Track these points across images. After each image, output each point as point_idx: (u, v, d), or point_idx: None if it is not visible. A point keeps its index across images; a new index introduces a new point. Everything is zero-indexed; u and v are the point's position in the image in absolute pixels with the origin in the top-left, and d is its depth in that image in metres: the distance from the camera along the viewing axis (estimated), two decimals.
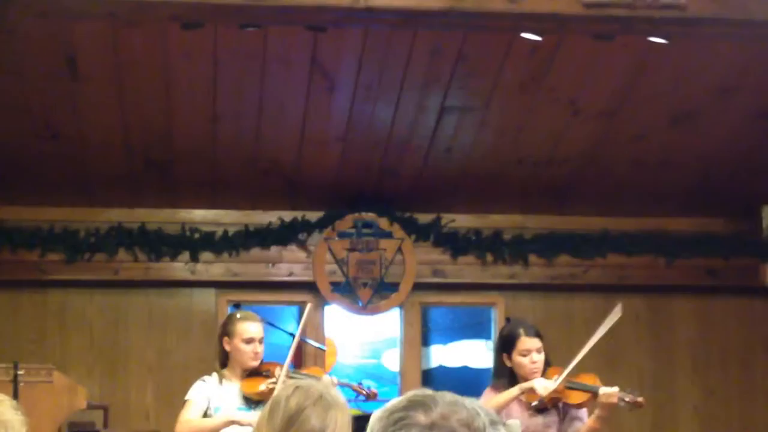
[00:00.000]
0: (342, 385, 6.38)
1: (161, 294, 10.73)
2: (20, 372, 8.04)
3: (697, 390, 11.08)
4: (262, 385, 5.68)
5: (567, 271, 10.83)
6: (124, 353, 10.61)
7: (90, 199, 10.39)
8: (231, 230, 10.52)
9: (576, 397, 5.61)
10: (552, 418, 5.60)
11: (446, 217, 10.73)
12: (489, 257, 10.79)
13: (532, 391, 5.54)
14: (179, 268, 10.53)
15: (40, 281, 10.36)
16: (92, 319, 10.62)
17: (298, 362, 10.82)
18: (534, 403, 5.57)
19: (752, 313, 11.17)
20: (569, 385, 5.62)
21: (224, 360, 5.81)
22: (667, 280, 10.91)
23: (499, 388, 5.73)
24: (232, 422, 5.55)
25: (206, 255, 10.51)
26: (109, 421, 10.15)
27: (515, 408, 5.62)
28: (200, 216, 10.64)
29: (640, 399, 5.60)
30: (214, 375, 5.79)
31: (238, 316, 5.86)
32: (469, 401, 1.62)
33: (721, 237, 10.84)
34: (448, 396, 1.61)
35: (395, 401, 1.63)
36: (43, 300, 10.54)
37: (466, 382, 11.18)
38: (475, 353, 11.34)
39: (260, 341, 5.75)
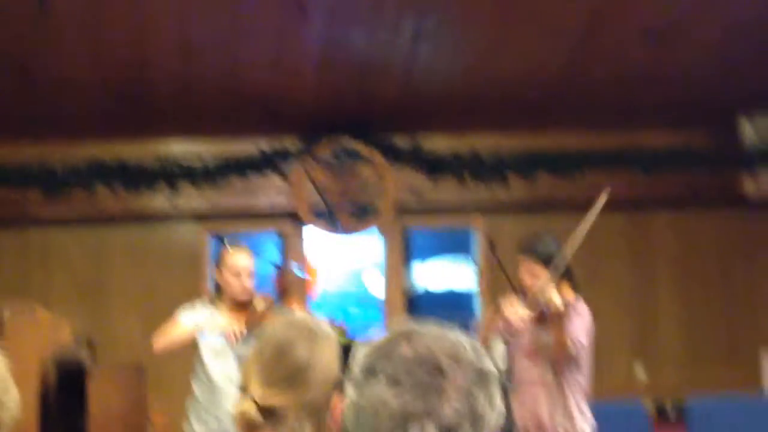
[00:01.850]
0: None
1: (142, 228, 10.72)
2: (4, 310, 8.04)
3: (678, 302, 11.17)
4: (247, 318, 5.69)
5: (547, 190, 10.84)
6: (108, 288, 10.62)
7: (66, 135, 10.31)
8: (209, 161, 10.48)
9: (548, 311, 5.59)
10: (549, 336, 5.60)
11: (425, 139, 10.70)
12: (468, 178, 10.78)
13: (505, 316, 5.56)
14: (159, 201, 10.50)
15: (20, 219, 10.32)
16: (74, 255, 10.61)
17: (283, 291, 10.86)
18: (510, 335, 5.58)
19: (733, 225, 11.23)
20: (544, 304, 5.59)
21: (219, 291, 5.81)
22: (646, 195, 10.93)
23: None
24: (197, 333, 5.55)
25: (186, 187, 10.47)
26: (96, 355, 10.18)
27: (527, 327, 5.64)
28: (178, 148, 10.59)
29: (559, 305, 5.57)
30: (206, 303, 5.80)
31: (229, 249, 5.86)
32: (453, 332, 1.62)
33: (700, 150, 10.84)
34: (433, 328, 1.62)
35: (381, 335, 1.63)
36: (24, 238, 10.52)
37: (449, 302, 11.25)
38: (458, 275, 11.39)
39: (249, 275, 5.74)
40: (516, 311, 5.54)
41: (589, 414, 5.58)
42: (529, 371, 5.50)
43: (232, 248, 5.86)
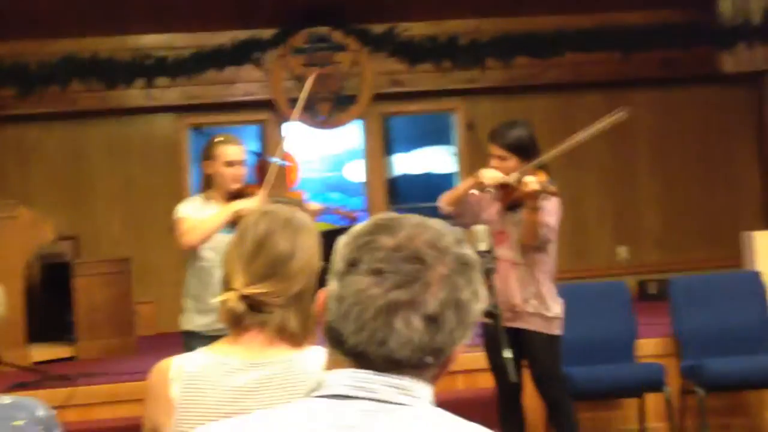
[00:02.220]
0: (324, 212, 6.37)
1: (120, 122, 10.67)
2: None
3: (658, 180, 11.23)
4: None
5: (525, 72, 10.82)
6: (89, 183, 10.61)
7: (37, 31, 10.20)
8: (184, 53, 10.40)
9: (520, 193, 5.61)
10: (520, 217, 5.63)
11: (401, 26, 10.63)
12: (446, 63, 10.74)
13: (477, 177, 5.58)
14: (135, 94, 10.44)
15: None
16: (52, 151, 10.58)
17: (262, 180, 10.85)
18: (480, 192, 5.59)
19: (710, 101, 11.24)
20: (514, 181, 5.60)
21: (207, 184, 5.77)
22: (624, 74, 10.92)
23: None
24: (235, 213, 5.53)
25: (161, 80, 10.41)
26: (80, 250, 10.22)
27: (492, 206, 5.66)
28: (152, 40, 10.50)
29: (552, 188, 5.59)
30: (200, 197, 5.77)
31: (219, 139, 5.80)
32: (434, 221, 1.62)
33: (677, 27, 10.80)
34: (413, 218, 1.62)
35: (360, 225, 1.63)
36: (0, 136, 10.46)
37: (430, 187, 11.28)
38: (438, 159, 11.40)
39: (241, 164, 5.71)
40: (491, 172, 5.56)
41: (556, 293, 5.65)
42: (498, 253, 5.54)
43: (221, 138, 5.81)
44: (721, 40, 10.68)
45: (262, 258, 2.52)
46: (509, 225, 5.69)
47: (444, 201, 5.76)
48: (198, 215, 5.65)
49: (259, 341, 2.52)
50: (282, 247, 2.54)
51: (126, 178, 10.65)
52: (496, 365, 5.51)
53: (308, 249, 2.57)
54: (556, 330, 5.69)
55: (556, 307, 5.69)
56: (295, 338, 2.54)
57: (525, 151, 5.68)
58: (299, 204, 5.71)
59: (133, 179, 10.64)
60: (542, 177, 5.62)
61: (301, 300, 2.54)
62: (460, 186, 5.75)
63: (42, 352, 8.47)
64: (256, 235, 2.55)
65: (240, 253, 2.54)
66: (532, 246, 5.64)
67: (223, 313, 2.51)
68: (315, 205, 5.85)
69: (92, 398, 6.92)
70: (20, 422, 2.41)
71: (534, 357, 5.69)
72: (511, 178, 5.57)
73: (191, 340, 5.61)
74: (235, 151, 5.72)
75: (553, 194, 5.53)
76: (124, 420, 6.58)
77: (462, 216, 5.71)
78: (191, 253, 5.71)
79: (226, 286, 2.54)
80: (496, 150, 5.68)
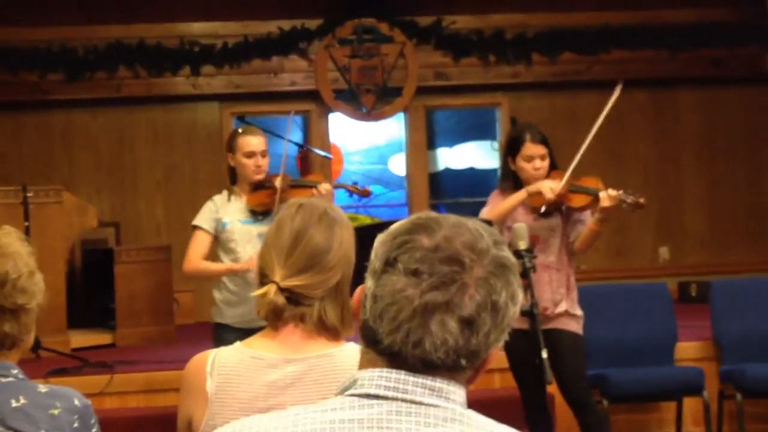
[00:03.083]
0: (337, 188, 6.39)
1: (165, 109, 10.72)
2: (29, 194, 8.09)
3: (702, 181, 11.14)
4: (265, 197, 5.68)
5: (570, 68, 10.76)
6: (132, 170, 10.66)
7: (87, 16, 10.26)
8: (230, 42, 10.43)
9: (578, 200, 5.60)
10: (556, 221, 5.61)
11: (447, 19, 10.60)
12: (491, 58, 10.71)
13: (539, 194, 5.53)
14: (181, 82, 10.49)
15: (42, 102, 10.34)
16: (97, 137, 10.64)
17: (306, 171, 10.87)
18: (542, 209, 5.57)
19: (757, 102, 11.14)
20: (572, 189, 5.61)
21: (233, 176, 5.79)
22: (670, 73, 10.84)
23: (505, 190, 5.72)
24: (232, 271, 5.60)
25: (207, 68, 10.45)
26: (121, 237, 10.28)
27: (520, 212, 5.63)
28: (198, 29, 10.54)
29: (641, 200, 5.59)
30: (224, 192, 5.79)
31: (240, 130, 5.81)
32: (472, 223, 1.61)
33: (725, 26, 10.72)
34: (451, 218, 1.61)
35: (398, 224, 1.62)
36: (47, 121, 10.54)
37: (472, 183, 11.26)
38: (481, 154, 11.37)
39: (262, 154, 5.69)
40: (549, 184, 5.53)
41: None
42: None
43: (242, 129, 5.82)
44: None
45: (300, 251, 2.53)
46: (543, 230, 5.67)
47: (488, 218, 5.66)
48: (211, 219, 5.68)
49: (297, 336, 2.52)
50: (319, 240, 2.55)
51: (169, 166, 10.69)
52: (523, 367, 5.48)
53: (344, 241, 2.58)
54: (581, 330, 5.68)
55: (579, 308, 5.68)
56: (333, 330, 2.55)
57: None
58: (315, 185, 5.74)
59: (176, 167, 10.68)
60: (595, 182, 5.63)
61: (339, 292, 2.55)
62: (507, 202, 5.66)
63: (82, 339, 8.52)
64: (292, 228, 2.56)
65: (277, 246, 2.55)
66: (573, 253, 5.63)
67: (262, 306, 2.51)
68: (328, 185, 5.83)
69: (129, 386, 6.95)
70: (56, 411, 2.42)
71: (563, 357, 5.64)
72: (563, 186, 5.55)
73: (222, 333, 5.64)
74: (255, 142, 5.72)
75: (641, 207, 5.53)
76: (161, 409, 6.60)
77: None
78: (218, 246, 5.74)
79: (264, 279, 2.54)
80: (541, 149, 5.65)
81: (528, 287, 4.53)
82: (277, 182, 5.73)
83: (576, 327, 5.65)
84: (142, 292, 8.81)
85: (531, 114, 10.61)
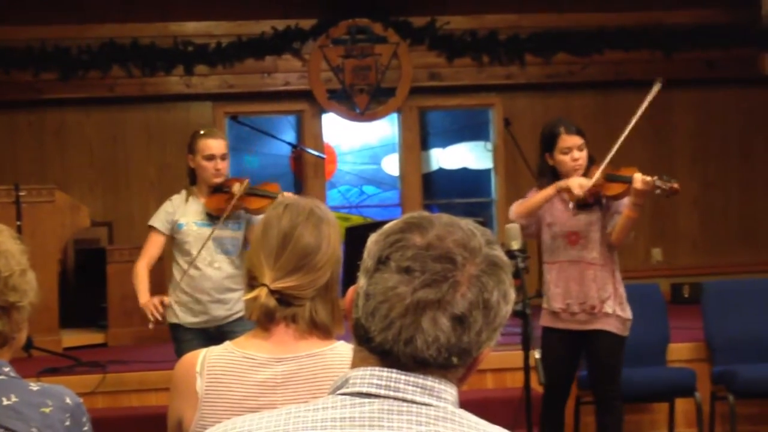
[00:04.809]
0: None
1: (158, 109, 10.70)
2: (22, 193, 8.08)
3: (696, 181, 11.15)
4: (222, 201, 5.71)
5: (564, 69, 10.77)
6: (125, 169, 10.65)
7: (80, 15, 10.25)
8: (224, 41, 10.43)
9: (614, 189, 5.56)
10: (595, 215, 5.57)
11: (441, 20, 10.60)
12: (485, 58, 10.71)
13: (568, 190, 5.51)
14: (174, 82, 10.47)
15: (36, 101, 10.32)
16: (91, 136, 10.62)
17: (299, 171, 10.88)
18: (571, 204, 5.56)
19: (751, 103, 11.15)
20: (609, 178, 5.59)
21: (192, 177, 5.82)
22: (665, 74, 10.81)
23: (543, 186, 5.69)
24: (142, 303, 5.72)
25: (201, 68, 10.44)
26: (114, 236, 10.26)
27: (558, 207, 5.61)
28: (192, 28, 10.53)
29: (675, 185, 5.58)
30: (183, 192, 5.82)
31: (201, 132, 5.83)
32: (465, 222, 1.61)
33: (719, 27, 10.73)
34: (444, 217, 1.61)
35: (391, 224, 1.62)
36: (40, 120, 10.53)
37: (466, 184, 11.26)
38: (474, 155, 11.37)
39: (222, 157, 5.71)
40: (578, 181, 5.51)
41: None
42: (567, 251, 5.51)
43: (204, 131, 5.83)
44: (764, 42, 10.60)
45: (290, 252, 2.53)
46: (582, 225, 5.65)
47: (517, 214, 5.63)
48: (166, 221, 5.73)
49: (288, 336, 2.52)
50: (308, 240, 2.54)
51: (161, 165, 10.67)
52: (551, 367, 5.46)
53: (332, 239, 2.58)
54: (627, 332, 5.66)
55: (629, 309, 5.66)
56: (324, 329, 2.55)
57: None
58: (274, 196, 5.73)
59: (168, 166, 10.66)
60: (632, 170, 5.64)
61: (329, 290, 2.56)
62: (537, 198, 5.65)
63: (74, 338, 8.51)
64: (280, 229, 2.55)
65: (265, 248, 2.54)
66: (613, 245, 5.62)
67: (254, 309, 2.51)
68: (288, 194, 5.83)
69: (122, 386, 6.95)
70: (47, 409, 2.41)
71: (600, 357, 5.64)
72: (596, 180, 5.55)
73: (179, 332, 5.71)
74: (215, 145, 5.75)
75: (675, 192, 5.54)
76: (153, 408, 6.60)
77: (529, 226, 5.65)
78: (174, 246, 5.78)
79: (253, 282, 2.54)
80: (577, 140, 5.64)
81: (521, 287, 4.52)
82: (235, 188, 5.74)
83: (620, 329, 5.62)
84: (134, 292, 8.76)
85: (524, 115, 10.62)
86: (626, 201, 5.62)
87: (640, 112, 5.88)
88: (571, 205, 5.61)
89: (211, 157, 5.72)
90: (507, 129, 10.24)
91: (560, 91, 10.84)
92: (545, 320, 5.75)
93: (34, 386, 2.47)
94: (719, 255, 11.00)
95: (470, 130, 11.39)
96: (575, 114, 10.48)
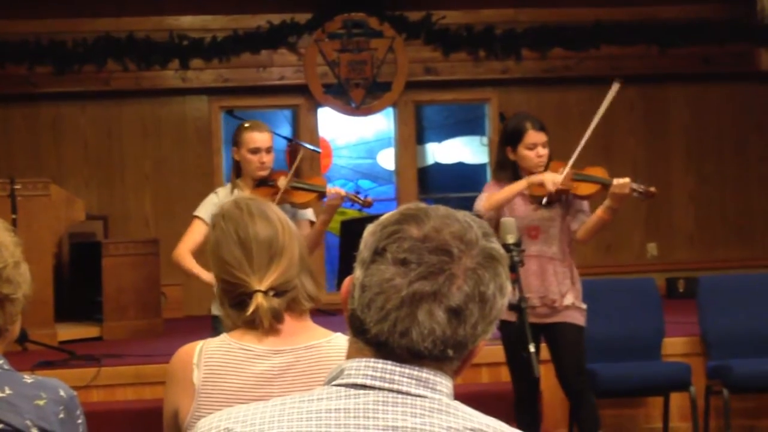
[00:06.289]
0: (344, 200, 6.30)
1: (153, 103, 10.69)
2: (17, 187, 8.06)
3: (691, 176, 11.16)
4: (267, 194, 5.64)
5: (560, 64, 10.77)
6: (120, 163, 10.64)
7: (76, 9, 10.23)
8: (220, 35, 10.41)
9: (585, 189, 5.58)
10: (556, 211, 5.59)
11: (437, 14, 10.60)
12: (481, 53, 10.71)
13: (540, 185, 5.52)
14: (170, 76, 10.46)
15: (31, 95, 10.31)
16: (86, 130, 10.61)
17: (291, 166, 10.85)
18: (544, 199, 5.55)
19: (746, 99, 11.15)
20: (577, 177, 5.60)
21: (237, 170, 5.75)
22: (660, 69, 10.85)
23: (501, 181, 5.68)
24: (209, 282, 5.58)
25: (196, 62, 10.43)
26: (109, 230, 10.25)
27: (518, 202, 5.62)
28: (188, 22, 10.51)
29: (652, 189, 5.61)
30: (228, 185, 5.76)
31: (246, 125, 5.76)
32: (461, 214, 1.60)
33: (714, 23, 10.73)
34: (441, 209, 1.61)
35: (388, 215, 1.62)
36: (35, 114, 10.51)
37: (461, 178, 11.25)
38: (470, 149, 11.37)
39: (267, 151, 5.65)
40: (551, 176, 5.51)
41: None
42: (527, 246, 5.51)
43: (249, 124, 5.77)
44: (760, 37, 10.60)
45: (256, 252, 2.55)
46: (544, 221, 5.66)
47: (486, 207, 5.61)
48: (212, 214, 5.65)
49: (286, 325, 2.53)
50: (263, 232, 2.57)
51: (157, 159, 10.67)
52: (517, 360, 5.47)
53: (279, 216, 2.62)
54: (585, 323, 5.69)
55: (583, 306, 5.69)
56: (315, 299, 2.61)
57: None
58: (321, 190, 5.72)
59: (164, 160, 10.66)
60: (601, 171, 5.64)
61: (303, 261, 2.62)
62: (507, 191, 5.64)
63: (69, 332, 8.49)
64: (235, 240, 2.58)
65: (234, 263, 2.56)
66: (574, 243, 5.64)
67: (264, 316, 2.51)
68: (339, 189, 5.81)
69: (117, 379, 6.94)
70: (42, 402, 2.40)
71: (566, 350, 5.65)
72: (565, 177, 5.55)
73: (220, 326, 5.64)
74: (260, 138, 5.67)
75: (651, 195, 5.55)
76: (149, 402, 6.59)
77: (491, 220, 5.66)
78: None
79: (244, 296, 2.54)
80: (542, 137, 5.65)
81: (516, 281, 4.51)
82: (281, 182, 5.70)
83: (581, 320, 5.66)
84: (129, 286, 8.78)
85: (520, 109, 10.60)
86: (588, 202, 5.66)
87: (601, 112, 5.86)
88: (544, 200, 5.61)
89: (256, 150, 5.65)
90: (503, 123, 10.22)
91: (556, 86, 10.84)
92: (504, 314, 5.73)
93: (28, 379, 2.47)
94: (714, 250, 11.00)
95: (466, 124, 11.39)
96: (571, 109, 10.50)
